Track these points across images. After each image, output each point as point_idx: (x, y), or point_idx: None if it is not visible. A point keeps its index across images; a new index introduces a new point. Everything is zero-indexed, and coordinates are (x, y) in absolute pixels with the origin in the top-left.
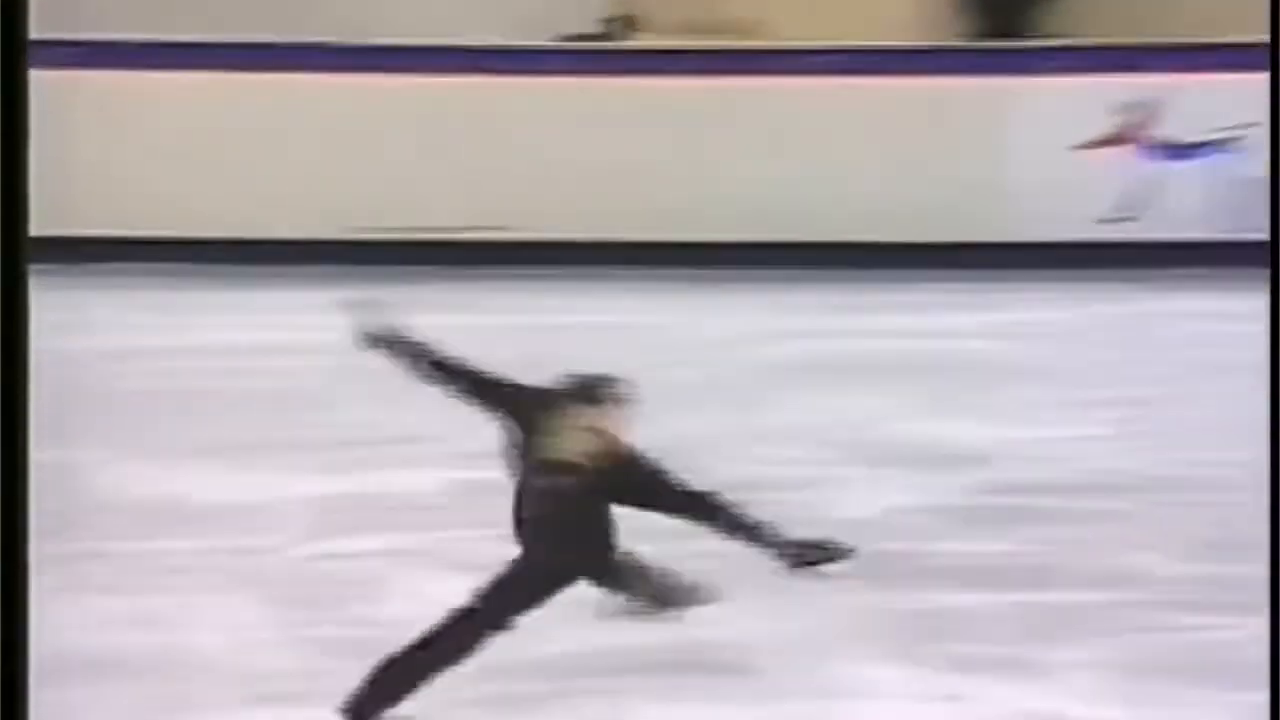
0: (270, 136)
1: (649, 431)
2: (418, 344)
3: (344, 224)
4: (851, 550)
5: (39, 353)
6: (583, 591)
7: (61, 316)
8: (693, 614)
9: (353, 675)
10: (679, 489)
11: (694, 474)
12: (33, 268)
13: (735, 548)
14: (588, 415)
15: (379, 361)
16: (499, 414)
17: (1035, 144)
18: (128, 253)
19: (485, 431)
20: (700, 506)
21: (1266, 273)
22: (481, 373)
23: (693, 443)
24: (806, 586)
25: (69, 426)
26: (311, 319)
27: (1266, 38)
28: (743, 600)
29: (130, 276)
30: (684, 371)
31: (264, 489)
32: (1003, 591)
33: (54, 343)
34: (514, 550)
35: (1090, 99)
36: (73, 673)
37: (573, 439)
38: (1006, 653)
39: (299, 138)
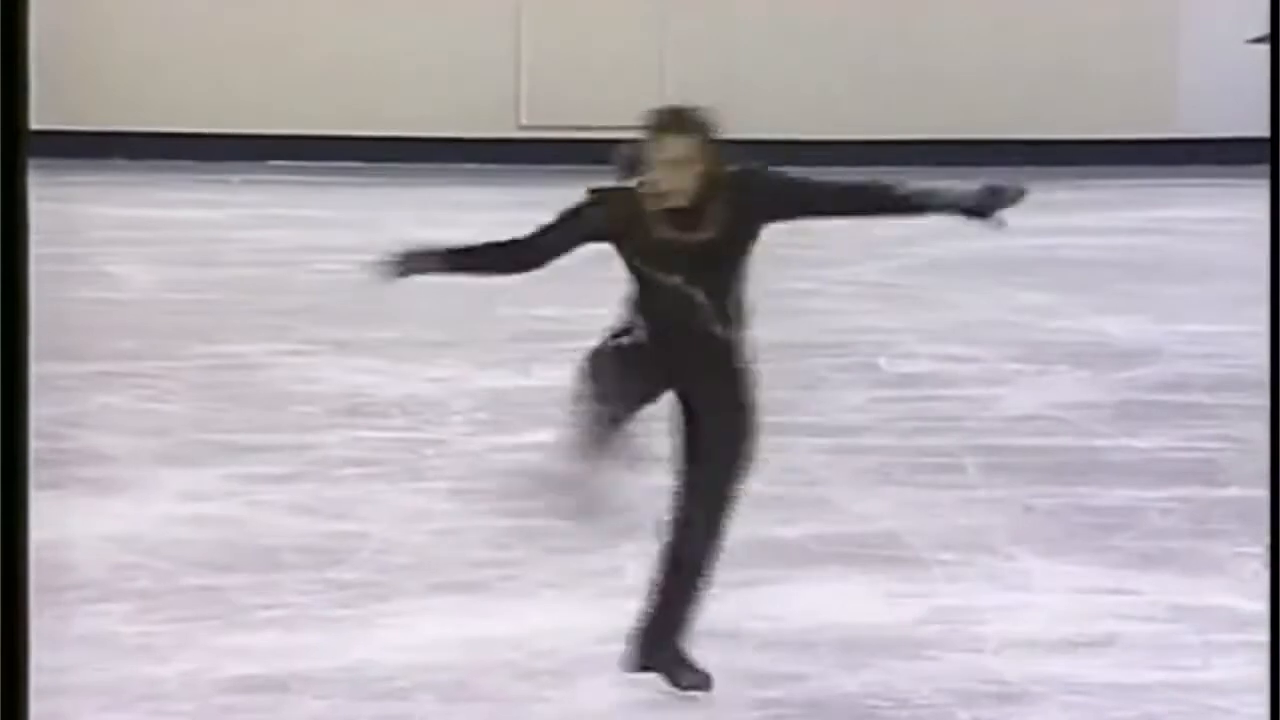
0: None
1: (822, 325)
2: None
3: (515, 122)
4: (1024, 190)
5: (220, 249)
6: (757, 491)
7: (237, 213)
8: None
9: (525, 564)
10: (828, 186)
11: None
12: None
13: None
14: (675, 146)
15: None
16: (591, 234)
17: (1207, 36)
18: (301, 150)
19: None
20: (859, 194)
21: None
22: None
23: (864, 339)
24: (971, 480)
25: (248, 321)
26: (486, 216)
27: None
28: (905, 493)
29: (305, 175)
30: (855, 268)
31: (441, 384)
32: (1171, 487)
33: (236, 237)
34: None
35: None
36: (263, 561)
37: (669, 173)
38: (1175, 547)
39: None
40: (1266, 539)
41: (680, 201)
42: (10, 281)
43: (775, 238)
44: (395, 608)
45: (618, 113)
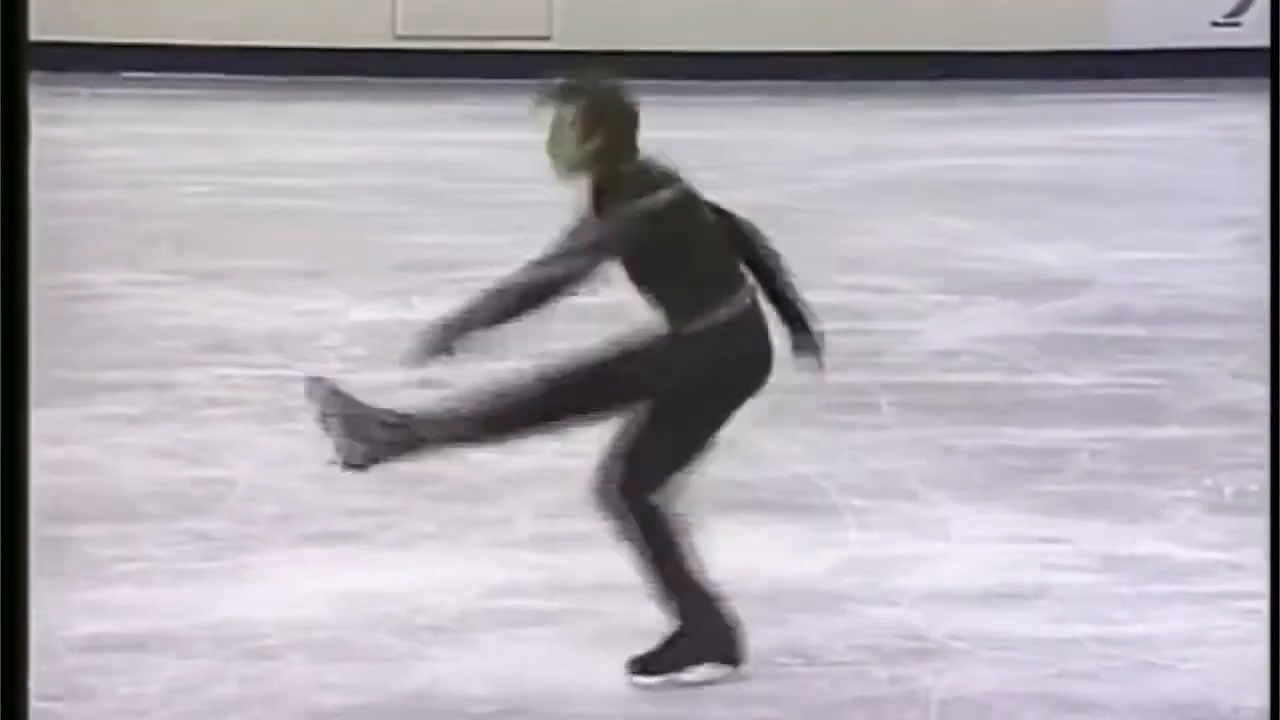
0: None
1: None
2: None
3: (391, 32)
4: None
5: (72, 170)
6: None
7: (87, 129)
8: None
9: (405, 512)
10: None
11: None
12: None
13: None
14: (565, 114)
15: (440, 183)
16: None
17: None
18: (158, 61)
19: None
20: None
21: None
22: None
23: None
24: (889, 420)
25: (101, 248)
26: (361, 134)
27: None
28: (821, 436)
29: (159, 87)
30: (759, 191)
31: (313, 317)
32: (1103, 427)
33: (86, 156)
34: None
35: None
36: (119, 510)
37: (558, 141)
38: (1107, 491)
39: None
40: (1206, 482)
41: (560, 174)
42: None
43: (678, 160)
44: (263, 560)
45: (501, 22)
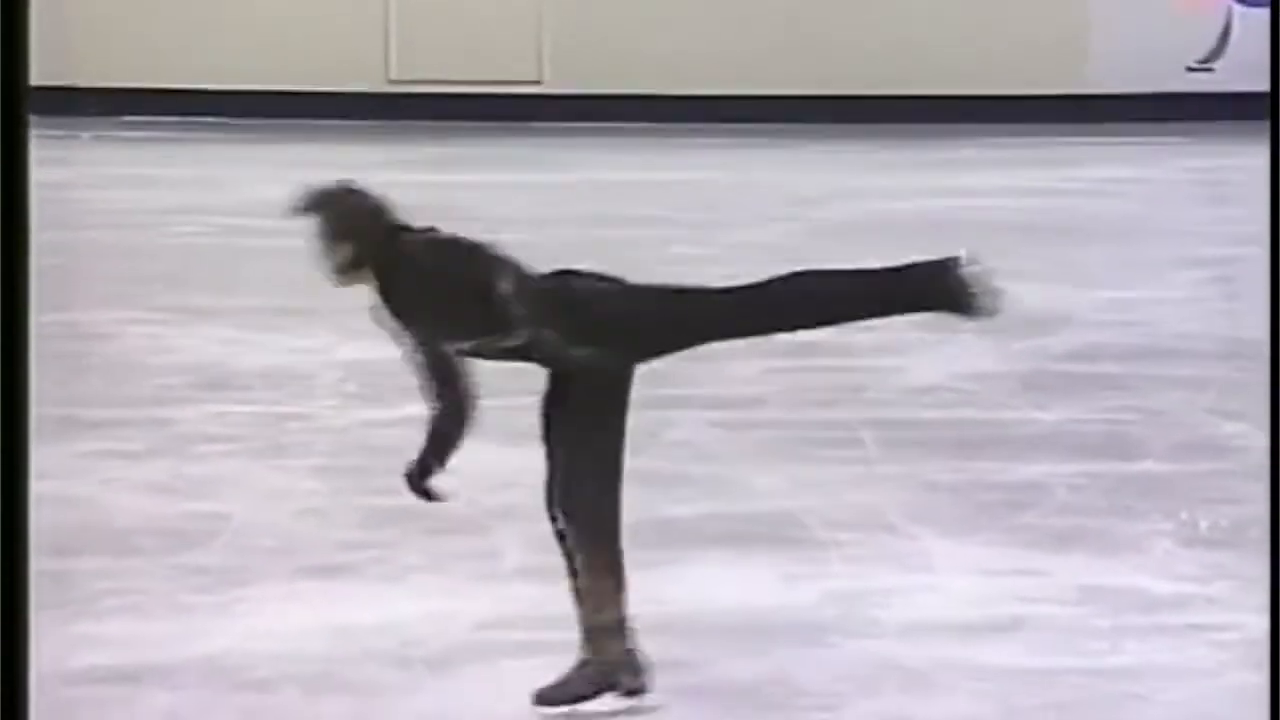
0: None
1: None
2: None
3: (384, 76)
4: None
5: (71, 210)
6: (645, 467)
7: (88, 171)
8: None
9: (397, 546)
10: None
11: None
12: (69, 120)
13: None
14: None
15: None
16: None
17: None
18: (157, 105)
19: None
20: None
21: None
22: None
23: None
24: (868, 455)
25: (98, 288)
26: (354, 176)
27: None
28: (804, 470)
29: (158, 130)
30: (744, 232)
31: (306, 354)
32: (1080, 462)
33: (85, 198)
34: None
35: None
36: (114, 544)
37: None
38: (1084, 525)
39: None
40: (1182, 516)
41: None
42: None
43: (668, 201)
44: (257, 593)
45: (493, 67)
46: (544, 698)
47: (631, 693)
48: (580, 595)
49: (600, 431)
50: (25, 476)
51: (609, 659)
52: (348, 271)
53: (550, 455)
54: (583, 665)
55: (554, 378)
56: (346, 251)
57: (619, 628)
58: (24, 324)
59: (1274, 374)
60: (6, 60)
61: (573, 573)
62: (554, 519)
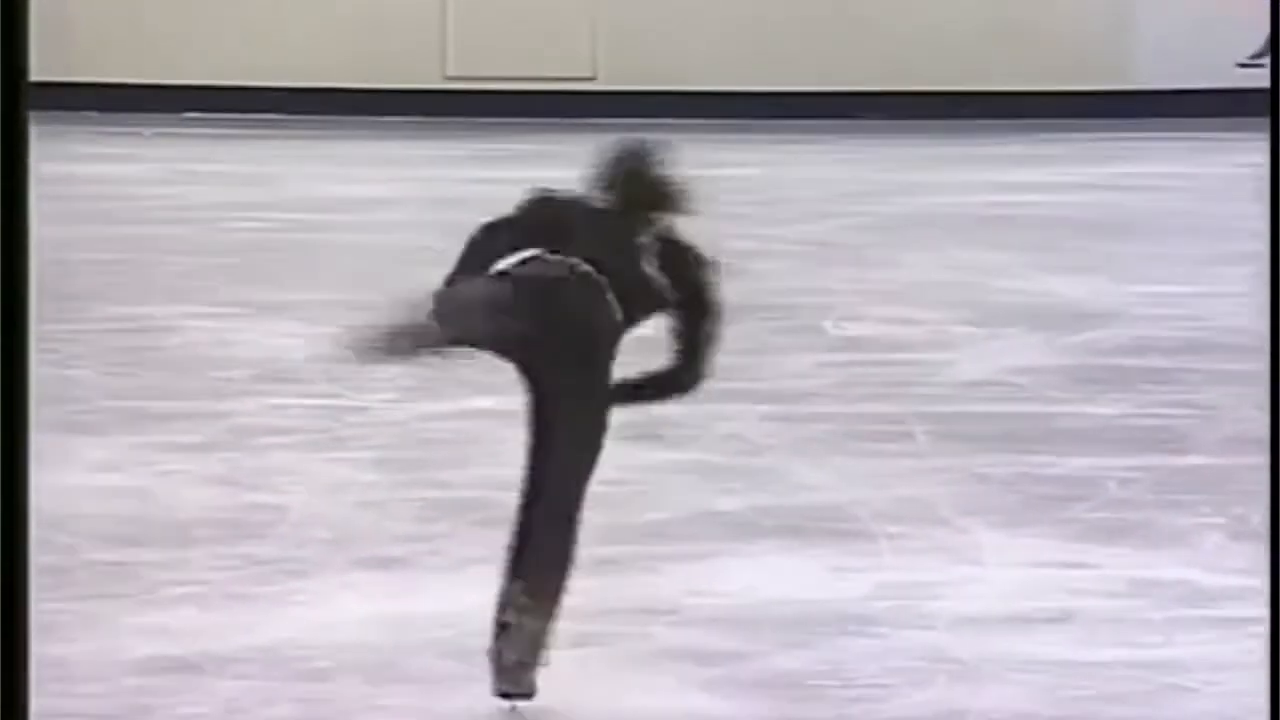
0: None
1: (768, 285)
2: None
3: (440, 73)
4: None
5: (132, 206)
6: (696, 460)
7: (150, 167)
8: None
9: (454, 537)
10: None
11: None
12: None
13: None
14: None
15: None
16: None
17: None
18: (217, 102)
19: None
20: None
21: None
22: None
23: (810, 300)
24: (919, 448)
25: (160, 282)
26: (410, 171)
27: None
28: (855, 463)
29: (218, 126)
30: (796, 228)
31: None
32: (1130, 455)
33: (147, 193)
34: None
35: None
36: (174, 535)
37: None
38: (1134, 519)
39: None
40: (1232, 509)
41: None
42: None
43: (720, 196)
44: (315, 584)
45: (548, 63)
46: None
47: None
48: (535, 594)
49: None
50: (25, 477)
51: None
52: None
53: (534, 458)
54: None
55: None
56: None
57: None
58: (24, 324)
59: (1274, 373)
60: (6, 56)
61: (533, 570)
62: (526, 507)
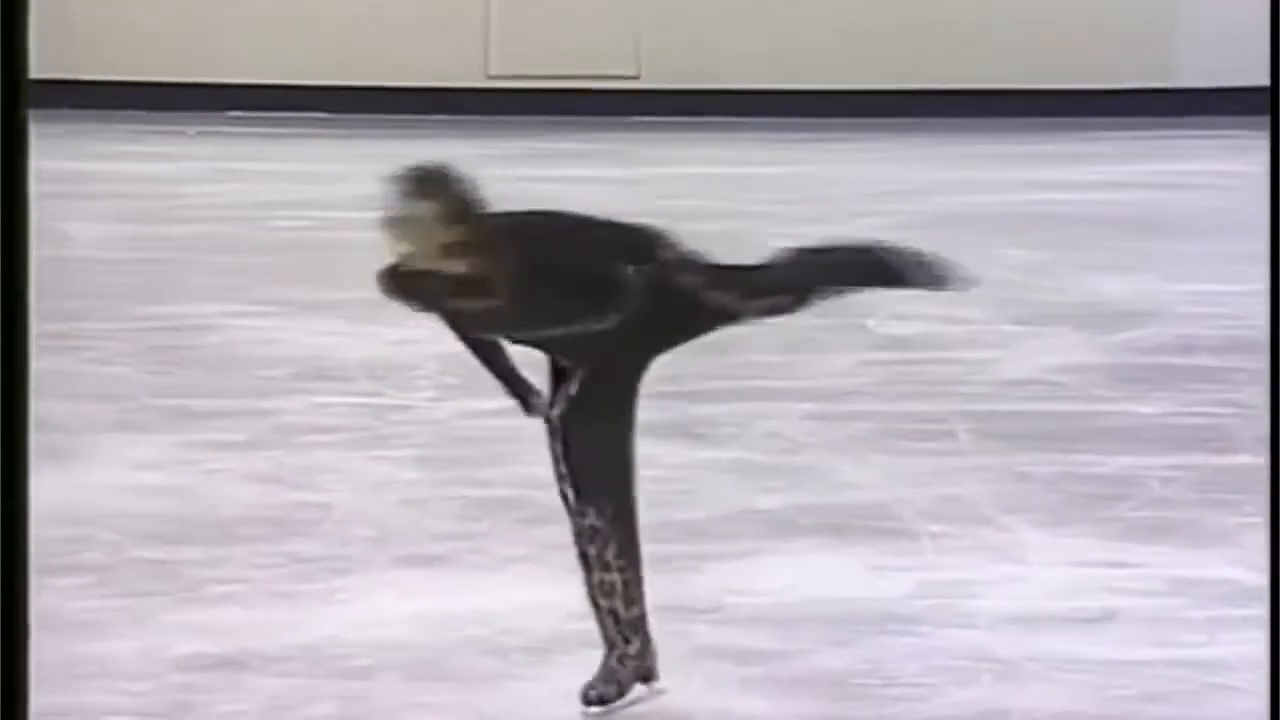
0: None
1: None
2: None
3: (483, 72)
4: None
5: (174, 205)
6: (738, 459)
7: (192, 166)
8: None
9: (495, 536)
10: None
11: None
12: (174, 115)
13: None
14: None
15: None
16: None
17: None
18: (260, 100)
19: None
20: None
21: None
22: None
23: (852, 298)
24: (961, 447)
25: (202, 281)
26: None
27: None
28: (897, 462)
29: (260, 125)
30: (838, 226)
31: (407, 346)
32: (1173, 454)
33: (189, 192)
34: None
35: None
36: (217, 533)
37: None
38: (1177, 518)
39: None
40: (1268, 510)
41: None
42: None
43: (764, 195)
44: (358, 582)
45: (590, 62)
46: (599, 698)
47: (650, 680)
48: (609, 588)
49: (618, 421)
50: (25, 477)
51: (643, 650)
52: (451, 256)
53: (565, 451)
54: (620, 660)
55: (560, 369)
56: (457, 234)
57: (645, 617)
58: (24, 324)
59: (1274, 373)
60: (6, 54)
61: (603, 566)
62: (581, 514)
